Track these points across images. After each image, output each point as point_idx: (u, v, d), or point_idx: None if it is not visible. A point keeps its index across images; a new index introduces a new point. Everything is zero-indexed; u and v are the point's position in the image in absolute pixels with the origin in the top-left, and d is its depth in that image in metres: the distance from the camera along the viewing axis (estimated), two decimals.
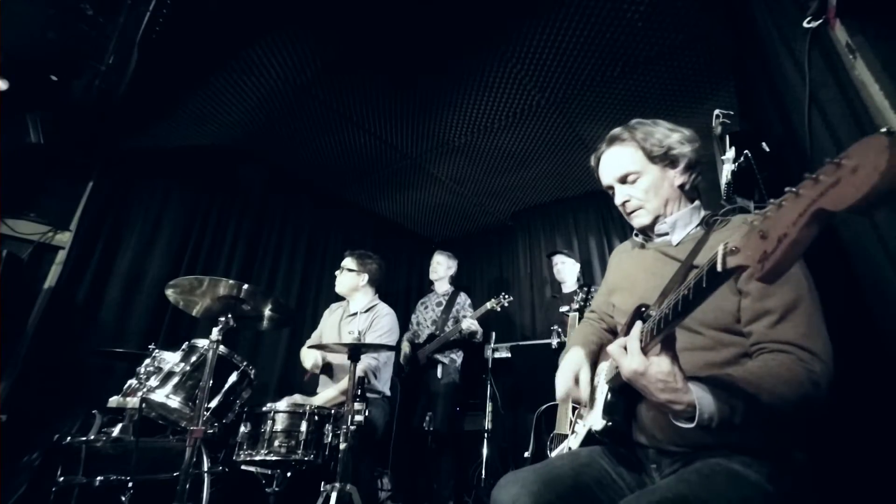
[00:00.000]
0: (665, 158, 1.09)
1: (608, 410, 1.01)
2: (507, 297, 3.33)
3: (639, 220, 1.14)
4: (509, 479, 1.00)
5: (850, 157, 0.46)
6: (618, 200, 1.16)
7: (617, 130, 1.15)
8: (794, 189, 0.52)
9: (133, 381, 2.05)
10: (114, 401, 2.04)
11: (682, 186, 1.11)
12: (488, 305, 3.30)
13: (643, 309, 0.88)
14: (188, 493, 1.57)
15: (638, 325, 0.83)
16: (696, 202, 1.14)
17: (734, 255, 0.60)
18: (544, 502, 0.92)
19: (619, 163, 1.13)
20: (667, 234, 1.13)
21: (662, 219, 1.12)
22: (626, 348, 0.82)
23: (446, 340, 3.34)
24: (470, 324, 3.26)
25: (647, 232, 1.18)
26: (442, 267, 3.67)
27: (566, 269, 3.50)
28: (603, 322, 1.34)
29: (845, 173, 0.46)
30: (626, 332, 0.87)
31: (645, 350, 0.80)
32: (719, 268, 0.63)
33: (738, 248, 0.60)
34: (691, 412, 0.76)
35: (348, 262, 2.82)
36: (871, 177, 0.43)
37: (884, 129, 0.44)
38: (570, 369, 1.12)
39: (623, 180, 1.13)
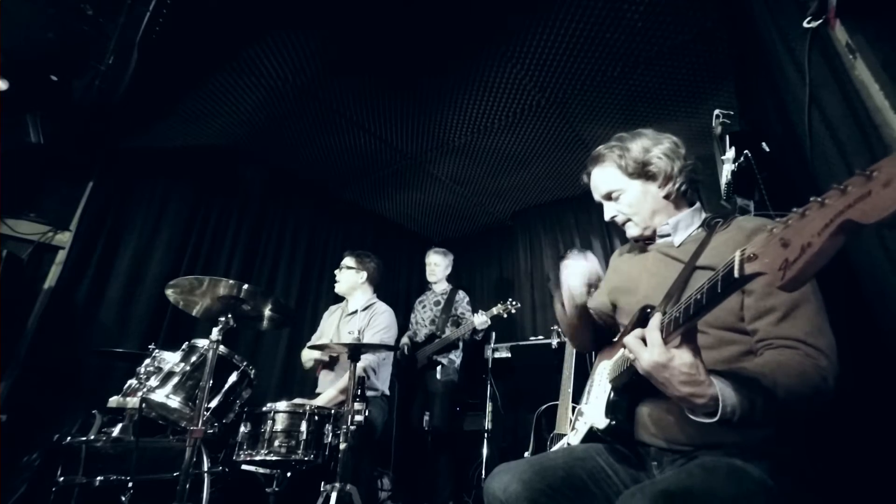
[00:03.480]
0: (642, 174, 1.12)
1: (611, 409, 1.01)
2: (514, 303, 3.28)
3: (630, 232, 1.19)
4: (501, 469, 1.01)
5: (881, 170, 0.45)
6: (606, 217, 1.20)
7: (598, 150, 1.20)
8: (818, 199, 0.51)
9: (133, 381, 2.06)
10: (114, 401, 2.04)
11: (668, 196, 1.13)
12: (495, 311, 3.25)
13: (648, 310, 0.88)
14: (188, 493, 1.57)
15: (657, 316, 0.81)
16: (697, 204, 1.16)
17: (752, 262, 0.59)
18: (534, 490, 0.92)
19: (602, 182, 1.19)
20: (668, 235, 1.14)
21: (661, 225, 1.13)
22: (644, 340, 0.80)
23: (449, 342, 3.31)
24: (485, 320, 3.22)
25: (643, 241, 1.19)
26: (440, 268, 3.65)
27: None
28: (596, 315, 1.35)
29: (877, 186, 0.45)
30: (631, 331, 0.87)
31: (664, 343, 0.80)
32: (736, 274, 0.62)
33: (757, 254, 0.59)
34: (713, 406, 0.74)
35: (347, 260, 2.87)
36: None
37: None
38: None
39: (608, 197, 1.19)
